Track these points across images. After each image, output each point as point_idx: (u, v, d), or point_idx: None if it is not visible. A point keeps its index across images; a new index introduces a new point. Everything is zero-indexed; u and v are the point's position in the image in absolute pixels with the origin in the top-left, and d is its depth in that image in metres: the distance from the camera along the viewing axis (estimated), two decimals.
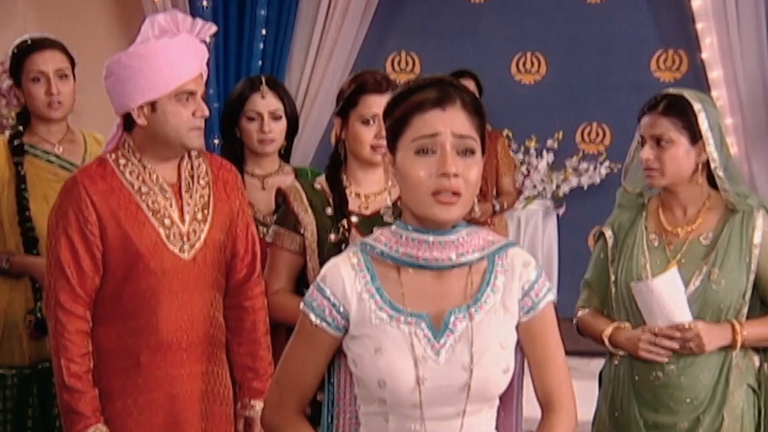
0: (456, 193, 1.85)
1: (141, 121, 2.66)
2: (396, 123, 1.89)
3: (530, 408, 2.07)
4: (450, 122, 1.84)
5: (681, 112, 2.74)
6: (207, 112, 2.66)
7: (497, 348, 1.90)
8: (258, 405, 2.79)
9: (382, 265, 1.93)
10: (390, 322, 1.89)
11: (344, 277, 1.92)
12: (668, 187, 2.80)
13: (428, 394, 1.86)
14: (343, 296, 1.91)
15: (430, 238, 1.90)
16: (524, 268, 1.96)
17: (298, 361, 1.98)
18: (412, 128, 1.85)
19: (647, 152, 2.75)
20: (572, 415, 1.98)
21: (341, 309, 1.92)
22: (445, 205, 1.86)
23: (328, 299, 1.92)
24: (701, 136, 2.74)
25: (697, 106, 2.74)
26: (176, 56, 2.63)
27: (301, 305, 1.96)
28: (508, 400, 2.01)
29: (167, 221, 2.67)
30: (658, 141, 2.74)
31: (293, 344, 2.00)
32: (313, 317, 1.93)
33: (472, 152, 1.86)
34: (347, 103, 2.89)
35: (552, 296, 2.00)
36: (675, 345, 2.72)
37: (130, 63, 2.64)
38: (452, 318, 1.90)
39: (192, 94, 2.65)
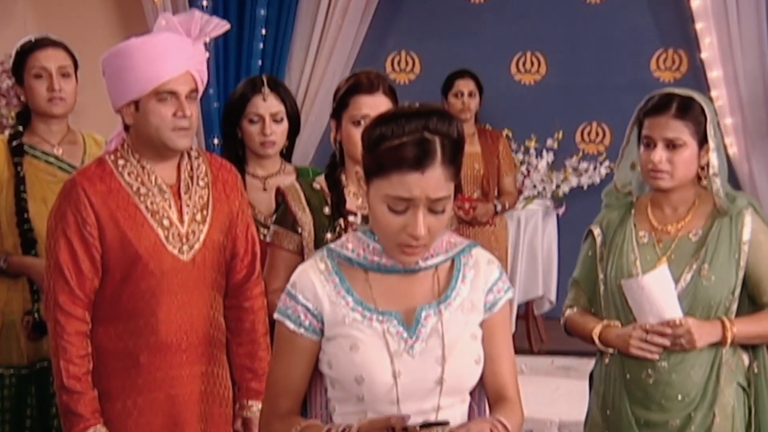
0: (423, 246, 1.90)
1: (128, 120, 2.67)
2: (373, 165, 1.88)
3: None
4: (426, 186, 1.84)
5: (694, 116, 2.75)
6: (189, 113, 2.63)
7: (468, 339, 1.96)
8: (256, 406, 2.78)
9: (349, 269, 1.97)
10: (362, 321, 1.93)
11: (314, 281, 1.95)
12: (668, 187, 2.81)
13: (404, 388, 1.89)
14: (315, 299, 1.94)
15: None
16: (488, 266, 2.03)
17: (282, 369, 2.00)
18: (389, 182, 1.85)
19: (659, 154, 2.74)
20: (521, 408, 2.03)
21: (315, 312, 1.95)
22: (409, 255, 1.91)
23: (302, 305, 1.95)
24: (707, 141, 2.76)
25: (707, 110, 2.76)
26: (156, 55, 2.61)
27: (276, 315, 1.98)
28: (479, 394, 2.07)
29: (166, 222, 2.66)
30: (670, 143, 2.75)
31: (274, 355, 2.02)
32: (289, 324, 1.96)
33: (443, 210, 1.88)
34: (339, 105, 2.89)
35: (510, 295, 2.06)
36: (666, 342, 2.72)
37: (113, 61, 2.65)
38: (423, 314, 1.95)
39: (173, 93, 2.63)
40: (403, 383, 1.89)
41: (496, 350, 2.01)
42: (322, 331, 1.95)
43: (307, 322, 1.95)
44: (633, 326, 2.76)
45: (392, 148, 1.84)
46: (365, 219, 1.94)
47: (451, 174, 1.87)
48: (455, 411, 1.97)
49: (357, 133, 2.84)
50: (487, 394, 2.04)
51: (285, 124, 3.40)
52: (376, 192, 1.88)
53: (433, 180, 1.84)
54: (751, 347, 2.83)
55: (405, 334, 1.92)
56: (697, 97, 2.78)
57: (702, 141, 2.75)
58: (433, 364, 1.91)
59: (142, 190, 2.67)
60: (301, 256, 2.89)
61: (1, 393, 3.35)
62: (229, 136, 3.44)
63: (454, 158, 1.86)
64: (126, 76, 2.62)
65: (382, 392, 1.89)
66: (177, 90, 2.63)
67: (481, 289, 2.00)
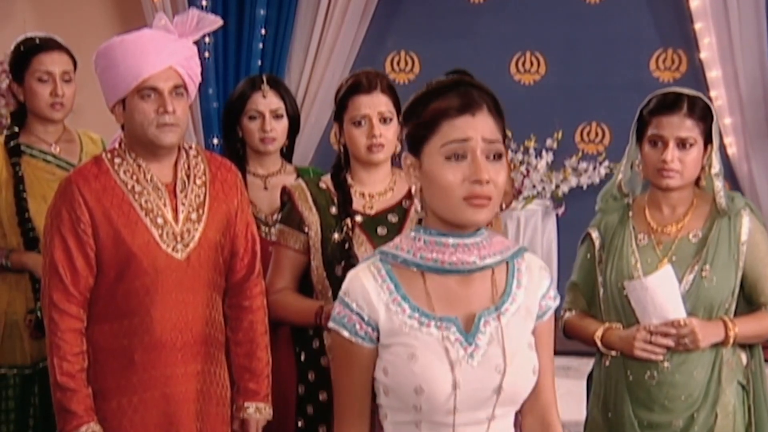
0: (488, 198, 1.83)
1: (119, 119, 2.68)
2: (421, 128, 1.85)
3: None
4: (478, 127, 1.82)
5: (703, 116, 2.76)
6: (171, 109, 2.62)
7: (526, 349, 1.91)
8: (252, 407, 2.77)
9: (405, 273, 1.88)
10: (420, 328, 1.85)
11: (367, 287, 1.87)
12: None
13: (463, 398, 1.84)
14: (370, 307, 1.86)
15: (453, 240, 1.87)
16: (541, 272, 1.97)
17: (345, 382, 1.92)
18: (441, 134, 1.83)
19: (672, 153, 2.74)
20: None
21: (369, 320, 1.86)
22: (477, 208, 1.83)
23: (357, 313, 1.86)
24: (711, 141, 2.77)
25: (713, 110, 2.77)
26: (136, 52, 2.62)
27: (331, 324, 1.90)
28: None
29: (160, 221, 2.66)
30: (682, 143, 2.75)
31: (335, 368, 1.95)
32: (345, 333, 1.87)
33: (500, 156, 1.84)
34: (339, 107, 2.90)
35: (558, 303, 2.01)
36: (670, 342, 2.72)
37: (99, 61, 2.67)
38: (482, 320, 1.88)
39: (155, 89, 2.63)
40: (462, 393, 1.83)
41: (541, 362, 1.95)
42: (377, 339, 1.87)
43: (362, 332, 1.86)
44: (636, 328, 2.76)
45: (437, 103, 1.84)
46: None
47: (500, 126, 1.85)
48: (508, 420, 1.92)
49: (357, 134, 2.85)
50: (524, 407, 1.98)
51: (285, 122, 3.41)
52: (430, 154, 1.84)
53: (486, 123, 1.83)
54: (748, 346, 2.84)
55: (464, 342, 1.85)
56: (704, 96, 2.80)
57: (706, 141, 2.77)
58: (493, 373, 1.85)
59: (137, 189, 2.67)
60: (307, 255, 2.90)
61: (5, 393, 3.36)
62: (229, 134, 3.45)
63: (498, 113, 1.86)
64: (111, 75, 2.64)
65: (440, 402, 1.83)
66: (158, 86, 2.62)
67: (536, 296, 1.95)
